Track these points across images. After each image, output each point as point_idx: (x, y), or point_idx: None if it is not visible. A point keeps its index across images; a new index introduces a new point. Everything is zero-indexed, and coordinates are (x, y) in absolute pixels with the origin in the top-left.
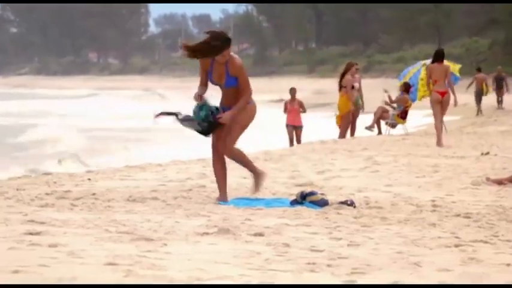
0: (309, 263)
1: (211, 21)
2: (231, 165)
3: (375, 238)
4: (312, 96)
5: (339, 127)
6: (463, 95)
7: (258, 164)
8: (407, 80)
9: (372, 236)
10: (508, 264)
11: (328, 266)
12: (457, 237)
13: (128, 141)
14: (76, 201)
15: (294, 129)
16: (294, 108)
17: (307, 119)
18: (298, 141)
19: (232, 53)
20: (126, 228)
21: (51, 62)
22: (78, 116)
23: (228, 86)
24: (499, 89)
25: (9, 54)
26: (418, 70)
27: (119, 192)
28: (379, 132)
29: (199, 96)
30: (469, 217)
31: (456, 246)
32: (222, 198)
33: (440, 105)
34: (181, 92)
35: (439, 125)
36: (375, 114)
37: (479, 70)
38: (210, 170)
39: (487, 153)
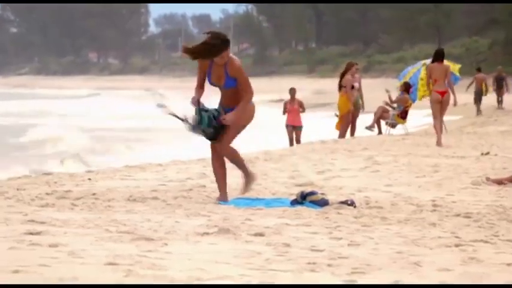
0: (309, 263)
1: (211, 21)
2: (230, 164)
3: (375, 238)
4: (312, 96)
5: (338, 130)
6: (464, 95)
7: (258, 164)
8: (407, 80)
9: (372, 235)
10: (509, 264)
11: (329, 265)
12: (457, 237)
13: (128, 141)
14: (76, 201)
15: (294, 130)
16: (293, 108)
17: (307, 119)
18: (298, 142)
19: (231, 54)
20: (126, 228)
21: (51, 62)
22: (80, 116)
23: (227, 87)
24: (499, 89)
25: (9, 54)
26: (418, 70)
27: (119, 192)
28: (379, 132)
29: (197, 101)
30: (469, 217)
31: (456, 246)
32: (222, 198)
33: (439, 105)
34: (182, 92)
35: (438, 125)
36: (375, 114)
37: (479, 70)
38: (210, 170)
39: (487, 153)
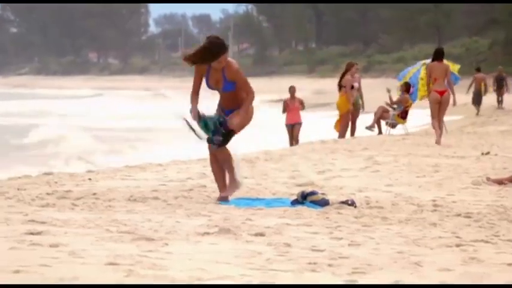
0: (309, 263)
1: (211, 21)
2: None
3: (376, 238)
4: (312, 96)
5: (336, 130)
6: (464, 95)
7: (258, 164)
8: (407, 80)
9: (372, 235)
10: (509, 264)
11: (329, 265)
12: (457, 237)
13: (129, 141)
14: (77, 201)
15: (293, 127)
16: (294, 106)
17: (307, 119)
18: (296, 138)
19: (229, 58)
20: (127, 228)
21: (51, 62)
22: (80, 116)
23: (225, 91)
24: (500, 89)
25: (9, 54)
26: (417, 70)
27: (119, 192)
28: (380, 132)
29: (198, 114)
30: (469, 217)
31: (457, 246)
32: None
33: (438, 105)
34: (182, 92)
35: (436, 124)
36: (375, 114)
37: (478, 70)
38: (210, 170)
39: (488, 153)
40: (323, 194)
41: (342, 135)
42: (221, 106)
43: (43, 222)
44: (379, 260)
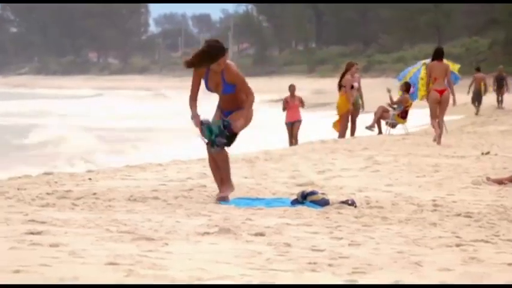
0: (310, 263)
1: (211, 21)
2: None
3: (376, 238)
4: (311, 96)
5: (335, 130)
6: (464, 95)
7: (258, 164)
8: (407, 80)
9: (372, 235)
10: (509, 264)
11: (329, 265)
12: (458, 237)
13: (129, 140)
14: (77, 200)
15: (293, 125)
16: (294, 104)
17: (307, 119)
18: (295, 136)
19: (228, 61)
20: (127, 227)
21: (51, 62)
22: (81, 116)
23: (225, 93)
24: (500, 89)
25: (9, 54)
26: (418, 70)
27: (119, 192)
28: (380, 132)
29: (199, 121)
30: (469, 217)
31: (457, 245)
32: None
33: (437, 105)
34: (182, 92)
35: (435, 124)
36: (375, 114)
37: (478, 70)
38: (210, 170)
39: (488, 152)
40: (323, 193)
41: (341, 135)
42: (220, 108)
43: (43, 222)
44: (379, 260)
